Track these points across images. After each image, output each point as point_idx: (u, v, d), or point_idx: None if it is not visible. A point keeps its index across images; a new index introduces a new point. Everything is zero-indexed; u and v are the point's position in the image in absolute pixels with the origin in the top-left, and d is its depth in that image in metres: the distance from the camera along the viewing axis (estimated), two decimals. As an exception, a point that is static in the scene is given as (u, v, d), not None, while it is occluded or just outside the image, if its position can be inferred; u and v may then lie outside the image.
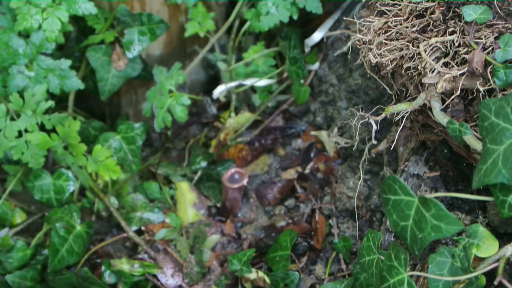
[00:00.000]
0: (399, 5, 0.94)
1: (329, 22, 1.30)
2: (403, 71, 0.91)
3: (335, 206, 1.17)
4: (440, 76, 0.86)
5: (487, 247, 0.76)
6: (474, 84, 0.84)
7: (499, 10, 0.87)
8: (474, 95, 0.86)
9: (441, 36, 0.88)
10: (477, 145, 0.81)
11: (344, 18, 1.16)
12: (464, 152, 0.90)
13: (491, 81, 0.81)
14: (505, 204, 0.75)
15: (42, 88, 1.12)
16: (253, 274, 1.09)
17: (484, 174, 0.74)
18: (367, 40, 0.94)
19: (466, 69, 0.84)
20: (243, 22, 1.31)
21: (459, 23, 0.88)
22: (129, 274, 1.14)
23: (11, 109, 1.10)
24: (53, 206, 1.20)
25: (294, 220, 1.18)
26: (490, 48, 0.84)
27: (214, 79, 1.44)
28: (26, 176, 1.20)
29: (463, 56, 0.86)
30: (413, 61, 0.90)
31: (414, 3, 0.92)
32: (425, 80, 0.87)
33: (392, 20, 0.93)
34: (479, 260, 0.77)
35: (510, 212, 0.74)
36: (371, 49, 0.93)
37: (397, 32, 0.92)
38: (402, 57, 0.91)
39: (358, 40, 0.95)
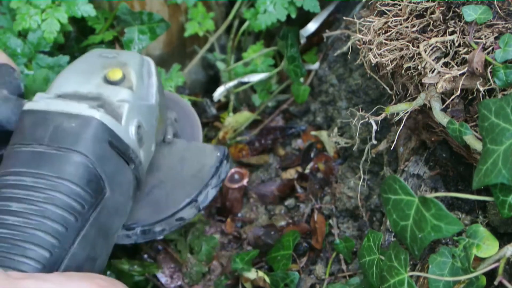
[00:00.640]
0: (399, 5, 0.94)
1: (324, 13, 1.30)
2: (403, 71, 0.91)
3: (335, 206, 1.17)
4: (440, 76, 0.86)
5: (487, 247, 0.76)
6: (474, 84, 0.84)
7: (499, 10, 0.87)
8: (474, 95, 0.86)
9: (441, 36, 0.88)
10: (477, 145, 0.81)
11: (344, 18, 1.16)
12: (464, 152, 0.90)
13: (491, 81, 0.81)
14: (505, 204, 0.75)
15: None
16: (252, 274, 1.09)
17: (484, 174, 0.74)
18: (367, 40, 0.94)
19: (466, 69, 0.84)
20: (242, 22, 1.31)
21: (459, 23, 0.88)
22: (129, 274, 1.14)
23: None
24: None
25: (294, 220, 1.18)
26: (490, 48, 0.84)
27: (214, 79, 1.44)
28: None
29: (463, 56, 0.86)
30: (413, 61, 0.90)
31: (414, 3, 0.92)
32: (425, 80, 0.87)
33: (392, 20, 0.93)
34: (479, 260, 0.77)
35: (510, 212, 0.74)
36: (371, 49, 0.93)
37: (397, 32, 0.92)
38: (402, 57, 0.91)
39: (358, 40, 0.95)
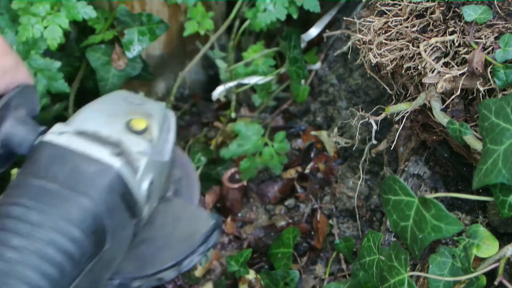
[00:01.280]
0: (399, 5, 0.94)
1: (326, 18, 1.30)
2: (403, 71, 0.91)
3: (335, 206, 1.17)
4: (440, 76, 0.86)
5: (487, 247, 0.76)
6: (474, 84, 0.84)
7: (499, 10, 0.87)
8: (474, 95, 0.86)
9: (441, 36, 0.88)
10: (477, 145, 0.81)
11: (344, 18, 1.16)
12: (464, 152, 0.90)
13: (491, 81, 0.81)
14: (505, 204, 0.75)
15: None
16: (251, 275, 1.09)
17: (484, 174, 0.74)
18: (367, 40, 0.94)
19: (466, 69, 0.84)
20: (243, 22, 1.31)
21: (459, 23, 0.88)
22: (129, 274, 1.14)
23: None
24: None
25: (294, 220, 1.18)
26: (490, 48, 0.84)
27: (214, 79, 1.44)
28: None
29: (463, 56, 0.86)
30: (413, 61, 0.90)
31: (414, 3, 0.92)
32: (425, 80, 0.87)
33: (392, 20, 0.93)
34: (479, 260, 0.77)
35: (510, 212, 0.74)
36: (371, 49, 0.93)
37: (397, 32, 0.92)
38: (402, 57, 0.91)
39: (358, 40, 0.95)
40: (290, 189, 1.23)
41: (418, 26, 0.91)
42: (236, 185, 1.22)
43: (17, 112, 0.93)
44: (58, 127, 0.89)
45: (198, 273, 1.15)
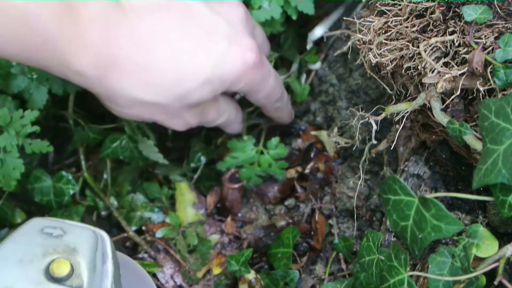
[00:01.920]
0: (399, 5, 0.94)
1: (332, 18, 1.30)
2: (403, 71, 0.91)
3: (335, 206, 1.17)
4: (440, 76, 0.86)
5: (487, 247, 0.76)
6: (474, 84, 0.83)
7: (499, 10, 0.87)
8: (474, 95, 0.86)
9: (441, 36, 0.88)
10: (477, 145, 0.81)
11: (344, 18, 1.16)
12: (464, 152, 0.90)
13: (491, 81, 0.81)
14: (505, 204, 0.75)
15: (32, 114, 1.09)
16: (251, 275, 1.09)
17: (484, 174, 0.74)
18: (367, 40, 0.94)
19: (466, 69, 0.84)
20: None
21: (459, 23, 0.88)
22: (129, 274, 1.14)
23: None
24: (53, 209, 1.20)
25: (294, 220, 1.18)
26: (490, 48, 0.84)
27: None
28: (26, 177, 1.20)
29: (463, 56, 0.86)
30: (413, 61, 0.90)
31: (414, 3, 0.92)
32: (425, 80, 0.87)
33: (392, 20, 0.93)
34: (479, 260, 0.77)
35: (510, 212, 0.74)
36: (371, 49, 0.93)
37: (397, 32, 0.92)
38: (402, 57, 0.91)
39: (358, 40, 0.95)
40: (290, 189, 1.23)
41: (418, 26, 0.91)
42: (236, 185, 1.22)
43: None
44: None
45: (198, 273, 1.16)
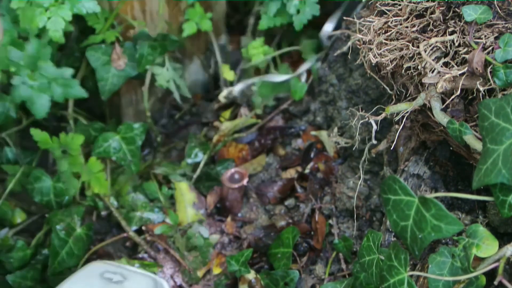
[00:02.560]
0: (399, 5, 0.94)
1: (337, 13, 1.30)
2: (403, 71, 0.91)
3: (335, 206, 1.17)
4: (440, 76, 0.86)
5: (487, 247, 0.76)
6: (474, 84, 0.83)
7: (499, 10, 0.87)
8: (474, 95, 0.86)
9: (441, 36, 0.88)
10: (477, 145, 0.81)
11: (344, 18, 1.16)
12: (464, 152, 0.90)
13: (491, 81, 0.81)
14: (505, 204, 0.75)
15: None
16: (251, 275, 1.09)
17: (484, 174, 0.74)
18: (367, 40, 0.94)
19: (466, 69, 0.84)
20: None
21: (459, 23, 0.88)
22: (129, 274, 1.14)
23: None
24: (53, 209, 1.20)
25: (294, 220, 1.18)
26: (490, 48, 0.84)
27: (214, 79, 1.44)
28: (26, 176, 1.20)
29: (463, 56, 0.86)
30: (413, 61, 0.90)
31: (414, 3, 0.92)
32: (425, 80, 0.87)
33: (392, 20, 0.93)
34: (479, 260, 0.77)
35: (510, 212, 0.74)
36: (371, 49, 0.93)
37: (397, 32, 0.92)
38: (402, 57, 0.91)
39: (358, 40, 0.95)
40: (290, 189, 1.23)
41: (418, 26, 0.91)
42: (236, 185, 1.22)
43: None
44: None
45: (198, 272, 1.16)
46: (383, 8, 0.95)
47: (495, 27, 0.86)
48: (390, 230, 0.97)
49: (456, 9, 0.89)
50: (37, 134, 1.16)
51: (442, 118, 0.86)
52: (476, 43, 0.85)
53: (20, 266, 1.16)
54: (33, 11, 1.11)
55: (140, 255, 1.18)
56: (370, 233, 0.88)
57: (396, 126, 0.98)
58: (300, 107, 1.32)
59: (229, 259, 1.09)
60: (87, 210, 1.24)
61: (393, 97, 0.99)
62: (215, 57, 1.40)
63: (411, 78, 0.92)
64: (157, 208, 1.23)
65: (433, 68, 0.87)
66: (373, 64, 0.95)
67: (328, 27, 1.28)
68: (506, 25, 0.85)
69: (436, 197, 0.75)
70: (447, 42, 0.87)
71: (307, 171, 1.23)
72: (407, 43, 0.90)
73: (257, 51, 1.31)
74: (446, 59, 0.87)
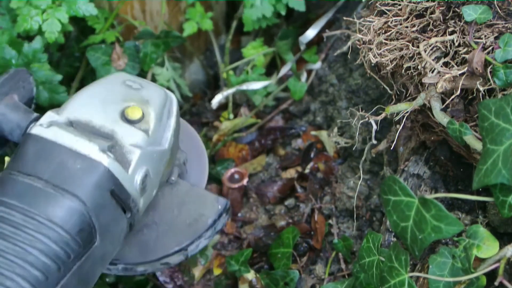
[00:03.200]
0: (399, 5, 0.94)
1: (323, 19, 1.30)
2: (403, 71, 0.91)
3: (335, 206, 1.17)
4: (440, 76, 0.86)
5: (488, 247, 0.76)
6: (474, 84, 0.83)
7: (499, 10, 0.87)
8: (474, 95, 0.86)
9: (441, 36, 0.88)
10: (477, 145, 0.81)
11: (344, 18, 1.16)
12: (464, 152, 0.90)
13: (491, 81, 0.81)
14: (505, 204, 0.75)
15: None
16: (251, 274, 1.09)
17: (484, 175, 0.74)
18: (367, 40, 0.94)
19: (466, 69, 0.84)
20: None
21: (459, 23, 0.88)
22: (129, 274, 1.14)
23: None
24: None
25: (294, 220, 1.18)
26: (490, 48, 0.84)
27: (214, 79, 1.44)
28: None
29: (463, 56, 0.86)
30: (413, 61, 0.89)
31: (414, 3, 0.92)
32: (425, 80, 0.87)
33: (392, 20, 0.93)
34: (479, 260, 0.77)
35: (510, 212, 0.74)
36: (371, 49, 0.93)
37: (397, 32, 0.92)
38: (402, 57, 0.91)
39: (358, 40, 0.95)
40: (290, 189, 1.23)
41: (418, 26, 0.91)
42: (236, 185, 1.22)
43: (8, 97, 0.92)
44: (49, 115, 0.87)
45: (198, 272, 1.16)
46: (383, 8, 0.94)
47: (495, 27, 0.86)
48: (390, 230, 0.97)
49: (456, 9, 0.89)
50: None
51: (442, 118, 0.86)
52: (476, 43, 0.85)
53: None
54: (29, 11, 1.10)
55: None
56: (369, 234, 0.88)
57: (396, 126, 0.98)
58: (300, 107, 1.32)
59: (228, 259, 1.09)
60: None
61: (393, 97, 0.99)
62: (215, 57, 1.40)
63: (411, 78, 0.92)
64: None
65: (433, 68, 0.87)
66: (373, 64, 0.95)
67: (309, 33, 1.28)
68: (506, 25, 0.85)
69: (436, 198, 0.75)
70: (447, 42, 0.87)
71: (307, 171, 1.23)
72: (407, 43, 0.90)
73: (256, 51, 1.31)
74: (446, 59, 0.87)
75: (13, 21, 1.15)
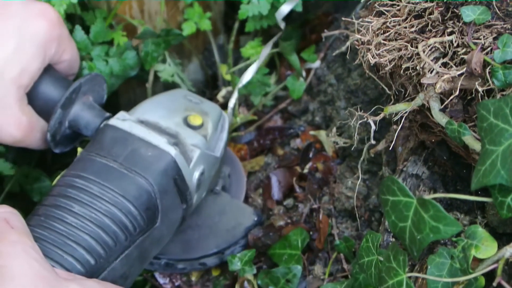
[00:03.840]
0: (398, 5, 0.94)
1: None
2: (401, 71, 0.91)
3: (333, 206, 1.17)
4: (438, 76, 0.86)
5: (486, 248, 0.76)
6: (472, 84, 0.83)
7: (497, 11, 0.87)
8: (473, 95, 0.86)
9: (440, 36, 0.88)
10: (476, 146, 0.81)
11: (343, 18, 1.16)
12: (463, 153, 0.90)
13: (490, 82, 0.81)
14: (504, 205, 0.75)
15: None
16: (250, 276, 1.09)
17: (483, 175, 0.74)
18: (365, 40, 0.94)
19: (464, 69, 0.84)
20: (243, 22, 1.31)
21: (458, 23, 0.88)
22: (128, 274, 1.13)
23: None
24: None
25: (293, 220, 1.18)
26: (489, 49, 0.84)
27: (212, 79, 1.43)
28: (25, 177, 1.20)
29: (462, 56, 0.86)
30: (412, 62, 0.90)
31: (412, 3, 0.92)
32: (424, 80, 0.87)
33: (391, 21, 0.93)
34: (478, 261, 0.77)
35: (509, 213, 0.74)
36: (369, 49, 0.93)
37: (395, 33, 0.92)
38: (400, 57, 0.91)
39: (357, 40, 0.95)
40: (288, 189, 1.23)
41: (417, 26, 0.91)
42: (235, 185, 1.22)
43: (85, 97, 1.03)
44: (122, 114, 0.99)
45: (196, 273, 1.15)
46: (381, 8, 0.95)
47: (493, 27, 0.86)
48: (389, 230, 0.97)
49: (455, 9, 0.89)
50: None
51: (440, 118, 0.86)
52: (475, 43, 0.85)
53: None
54: None
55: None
56: (369, 234, 0.88)
57: (395, 126, 0.98)
58: (299, 107, 1.32)
59: (230, 258, 1.09)
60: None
61: (392, 97, 0.99)
62: (213, 56, 1.40)
63: (410, 79, 0.92)
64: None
65: (432, 69, 0.87)
66: (372, 64, 0.95)
67: (285, 8, 1.26)
68: (505, 25, 0.85)
69: (435, 198, 0.75)
70: (445, 42, 0.87)
71: (305, 171, 1.23)
72: (406, 44, 0.90)
73: (255, 51, 1.31)
74: (445, 60, 0.87)
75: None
